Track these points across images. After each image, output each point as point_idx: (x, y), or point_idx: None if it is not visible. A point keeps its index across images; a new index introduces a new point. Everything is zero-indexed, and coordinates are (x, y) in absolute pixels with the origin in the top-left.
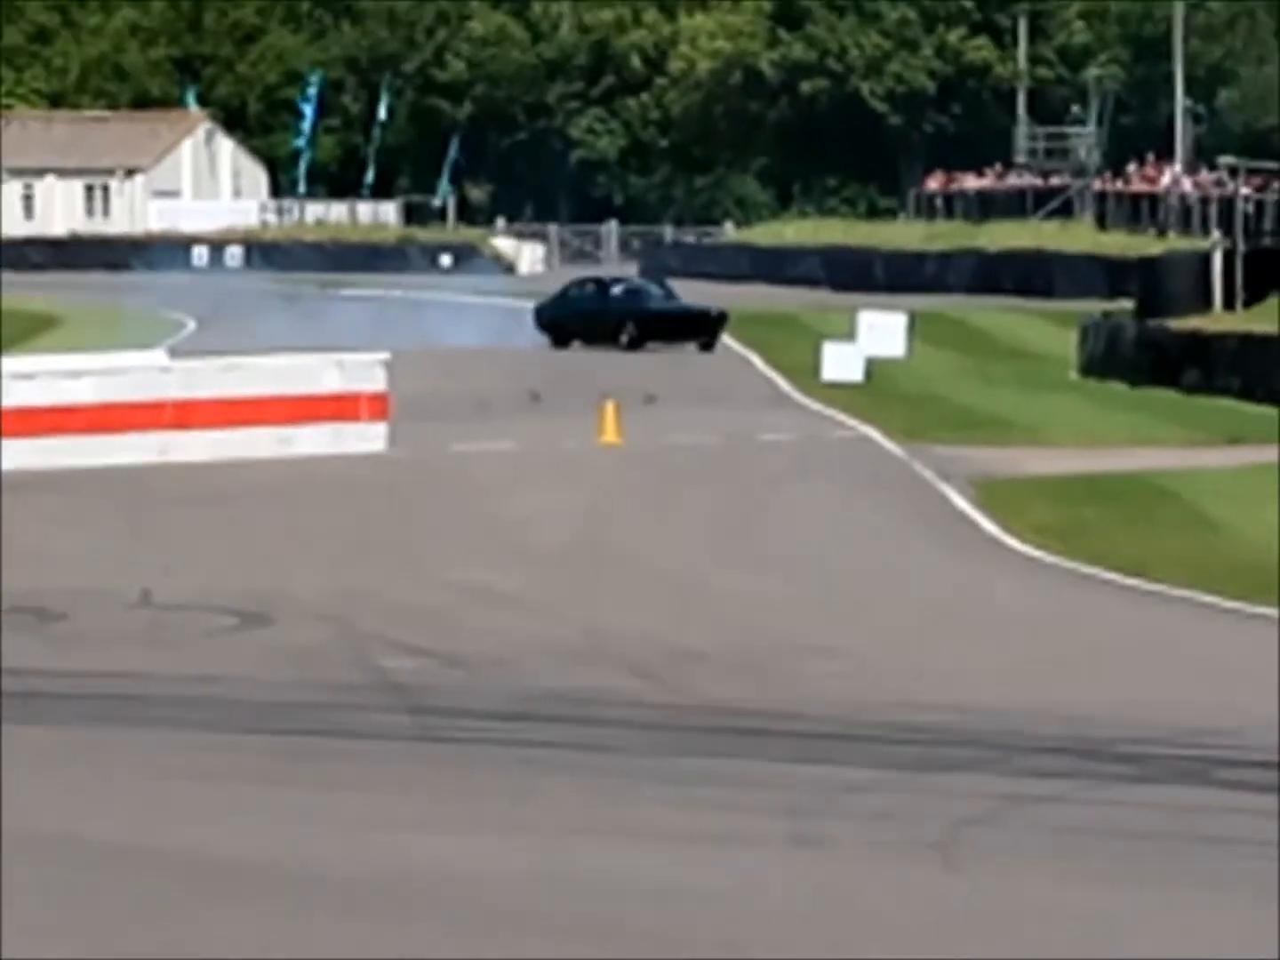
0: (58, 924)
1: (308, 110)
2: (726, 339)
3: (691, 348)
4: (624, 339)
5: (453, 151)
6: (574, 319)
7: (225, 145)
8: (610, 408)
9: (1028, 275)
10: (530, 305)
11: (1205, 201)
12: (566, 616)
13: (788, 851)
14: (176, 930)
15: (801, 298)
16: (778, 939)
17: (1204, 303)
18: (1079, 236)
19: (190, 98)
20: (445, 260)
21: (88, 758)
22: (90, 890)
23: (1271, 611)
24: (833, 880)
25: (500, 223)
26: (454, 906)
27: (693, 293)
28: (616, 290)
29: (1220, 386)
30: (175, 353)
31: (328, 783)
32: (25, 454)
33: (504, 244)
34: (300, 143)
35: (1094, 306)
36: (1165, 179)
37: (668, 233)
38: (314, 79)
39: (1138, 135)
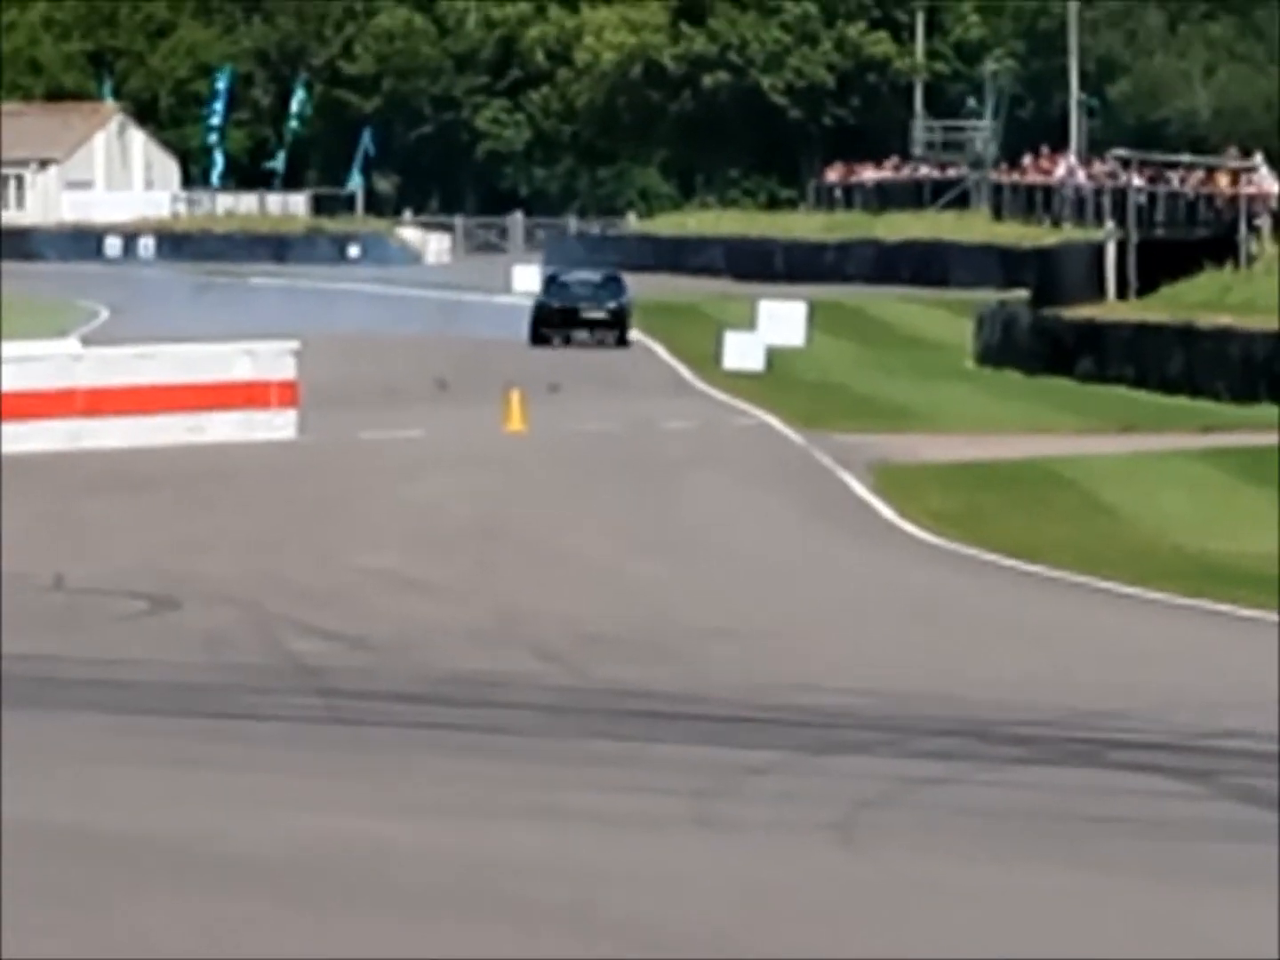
0: None
1: (218, 105)
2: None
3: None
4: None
5: (363, 143)
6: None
7: (137, 138)
8: (515, 396)
9: (925, 265)
10: (433, 295)
11: (1099, 193)
12: (472, 600)
13: (690, 832)
14: (72, 907)
15: (703, 287)
16: (679, 917)
17: (1098, 292)
18: (975, 227)
19: (104, 91)
20: (353, 250)
21: None
22: None
23: (1163, 597)
24: (734, 860)
25: (407, 214)
26: (357, 886)
27: None
28: (550, 286)
29: (1114, 375)
30: (88, 341)
31: (236, 764)
32: None
33: (410, 234)
34: (212, 137)
35: (990, 296)
36: (1060, 171)
37: (572, 224)
38: (224, 73)
39: (1033, 128)
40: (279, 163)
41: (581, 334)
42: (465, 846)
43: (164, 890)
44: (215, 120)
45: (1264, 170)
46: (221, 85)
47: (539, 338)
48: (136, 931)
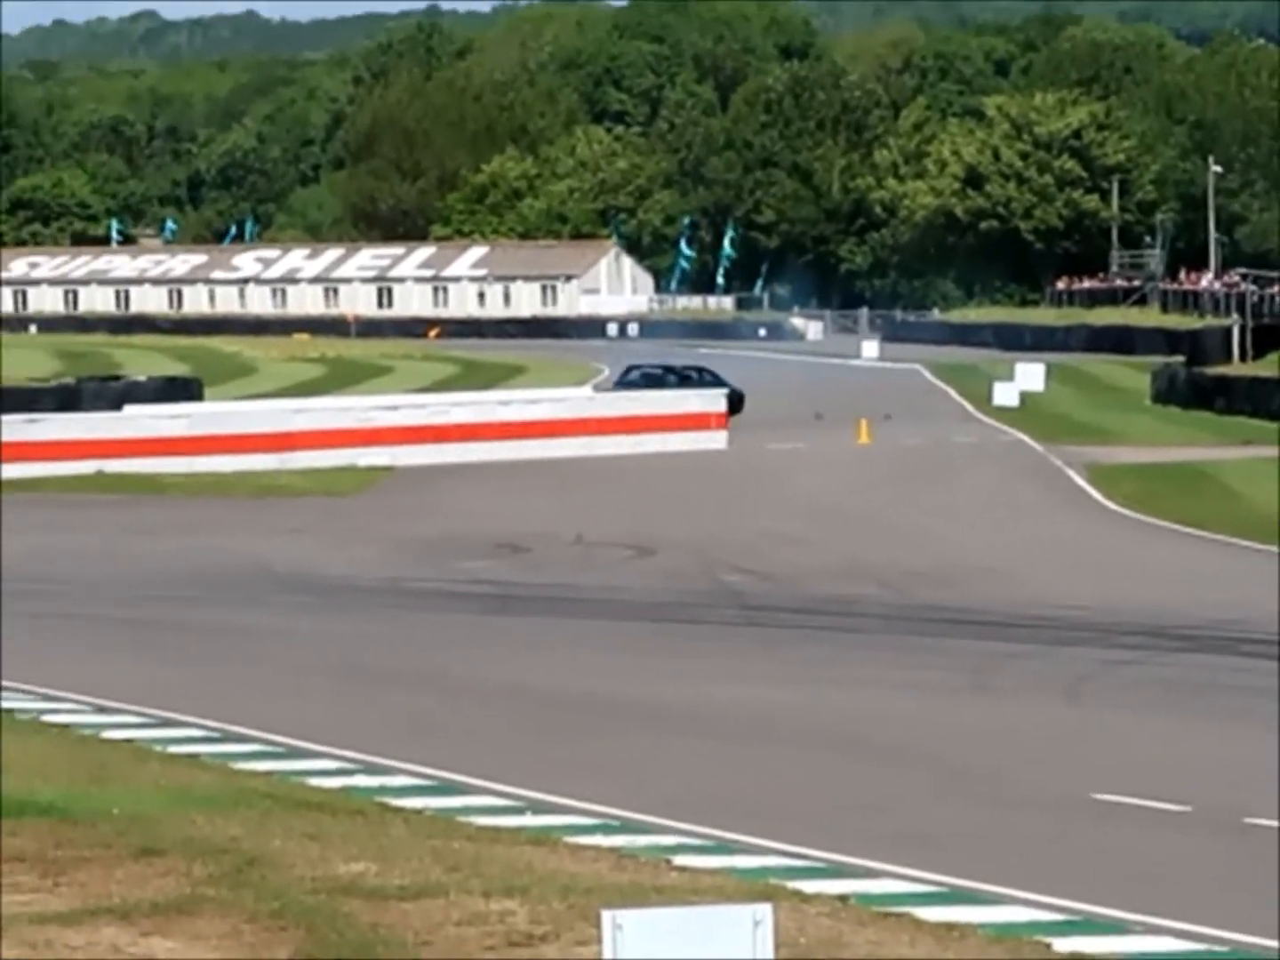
0: (494, 733)
1: (682, 242)
2: (933, 379)
3: None
4: None
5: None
6: None
7: (627, 262)
8: (864, 422)
9: (1120, 341)
10: (812, 360)
11: (1228, 296)
12: (834, 550)
13: (968, 695)
14: (574, 746)
15: (979, 355)
16: (957, 749)
17: (1227, 358)
18: (1150, 317)
19: (610, 232)
20: (762, 331)
21: (539, 638)
22: (519, 713)
23: (1269, 547)
24: (995, 711)
25: (795, 308)
26: (749, 727)
27: (911, 353)
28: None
29: (1238, 409)
30: (597, 388)
31: (687, 651)
32: (507, 451)
33: (798, 322)
34: (681, 261)
35: (1160, 360)
36: (1203, 282)
37: (897, 315)
38: (686, 223)
39: (1186, 255)
40: (719, 276)
41: None
42: (818, 699)
43: (620, 729)
44: (683, 251)
45: None
46: (685, 229)
47: None
48: (631, 756)
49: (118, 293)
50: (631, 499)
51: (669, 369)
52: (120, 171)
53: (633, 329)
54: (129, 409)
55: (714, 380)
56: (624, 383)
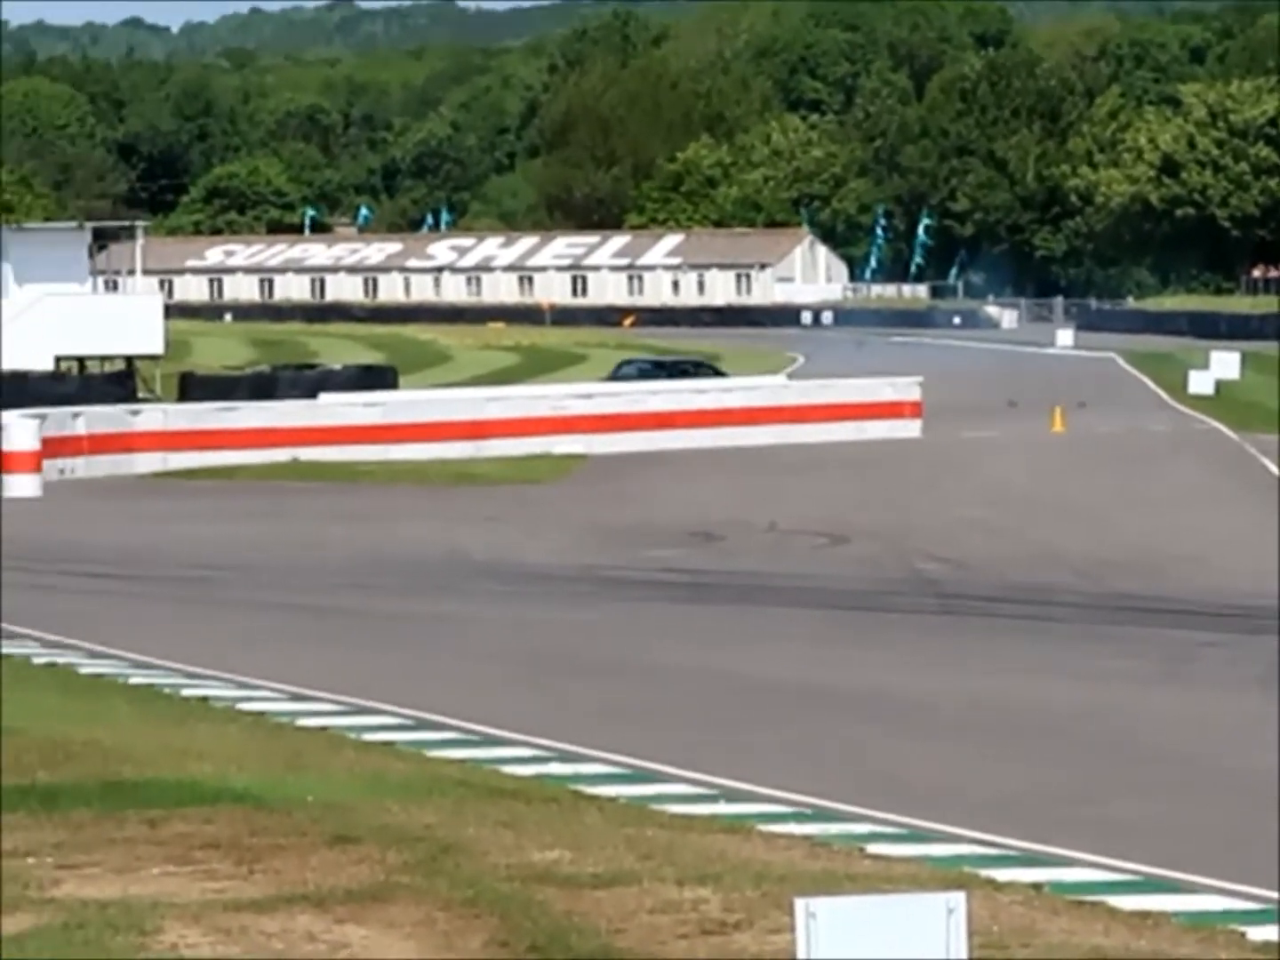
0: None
1: (878, 231)
2: (1128, 368)
3: None
4: None
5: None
6: None
7: (821, 250)
8: (1058, 410)
9: None
10: (1006, 349)
11: None
12: (1028, 538)
13: (1162, 683)
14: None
15: (1175, 343)
16: (1150, 744)
17: None
18: None
19: (803, 220)
20: (956, 320)
21: (731, 626)
22: (711, 701)
23: None
24: (1189, 700)
25: (990, 297)
26: (943, 715)
27: (1105, 341)
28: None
29: None
30: (792, 376)
31: (894, 641)
32: (701, 438)
33: (992, 310)
34: (875, 249)
35: None
36: None
37: (1093, 303)
38: (880, 211)
39: None
40: (913, 265)
41: None
42: (1030, 692)
43: (844, 718)
44: (878, 240)
45: None
46: (879, 217)
47: None
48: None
49: (313, 281)
50: (825, 487)
51: (659, 363)
52: (316, 160)
53: (826, 317)
54: (324, 397)
55: (713, 372)
56: (618, 376)
